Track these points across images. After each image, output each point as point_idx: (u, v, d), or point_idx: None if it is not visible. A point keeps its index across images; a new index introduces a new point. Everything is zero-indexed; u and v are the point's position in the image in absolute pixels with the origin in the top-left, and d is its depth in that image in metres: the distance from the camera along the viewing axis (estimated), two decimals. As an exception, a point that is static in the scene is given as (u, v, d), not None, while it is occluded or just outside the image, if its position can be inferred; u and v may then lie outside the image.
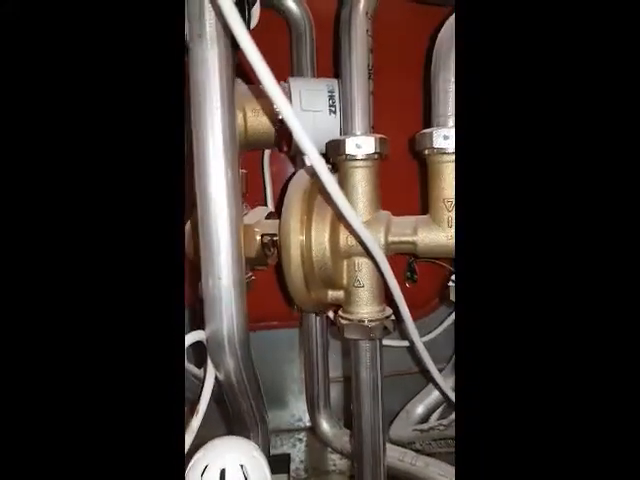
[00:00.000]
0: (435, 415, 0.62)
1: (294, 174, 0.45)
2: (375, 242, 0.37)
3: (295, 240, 0.40)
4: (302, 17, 0.55)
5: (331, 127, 0.47)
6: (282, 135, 0.47)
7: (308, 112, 0.46)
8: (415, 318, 0.44)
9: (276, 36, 0.55)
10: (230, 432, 0.43)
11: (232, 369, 0.36)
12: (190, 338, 0.35)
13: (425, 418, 0.63)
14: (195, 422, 0.37)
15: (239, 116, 0.47)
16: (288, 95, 0.46)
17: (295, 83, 0.47)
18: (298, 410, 0.74)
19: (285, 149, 0.48)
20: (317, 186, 0.44)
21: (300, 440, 0.70)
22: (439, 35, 0.40)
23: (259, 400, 0.41)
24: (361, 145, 0.41)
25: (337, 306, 0.47)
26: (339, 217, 0.40)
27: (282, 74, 0.53)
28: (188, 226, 0.49)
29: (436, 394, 0.64)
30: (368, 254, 0.39)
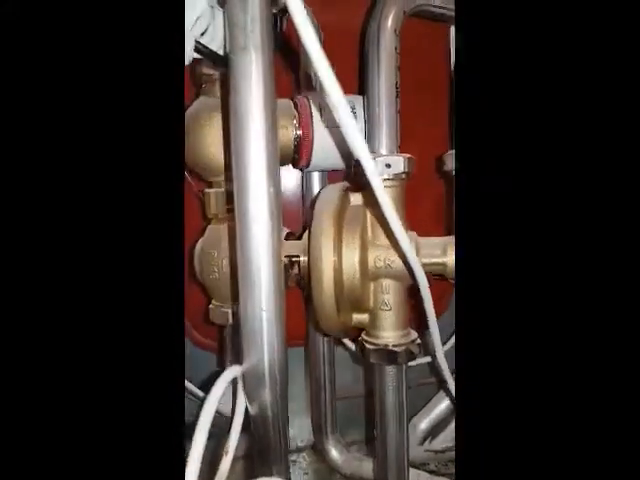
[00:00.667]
0: (445, 432, 0.61)
1: (319, 193, 0.43)
2: (420, 264, 0.36)
3: (328, 262, 0.38)
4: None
5: (352, 144, 0.45)
6: (302, 151, 0.45)
7: (330, 129, 0.45)
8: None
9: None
10: (251, 466, 0.40)
11: (269, 403, 0.34)
12: (229, 374, 0.33)
13: (430, 432, 0.63)
14: (225, 463, 0.35)
15: (282, 131, 0.45)
16: (309, 110, 0.44)
17: (316, 98, 0.45)
18: (300, 430, 0.71)
19: (303, 164, 0.47)
20: (346, 205, 0.42)
21: (304, 458, 0.67)
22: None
23: (287, 433, 0.39)
24: (391, 165, 0.40)
25: (359, 330, 0.45)
26: (388, 236, 0.39)
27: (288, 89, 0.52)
28: (199, 246, 0.46)
29: (441, 407, 0.63)
30: (411, 276, 0.38)
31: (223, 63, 0.33)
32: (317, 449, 0.62)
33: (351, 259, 0.40)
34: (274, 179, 0.32)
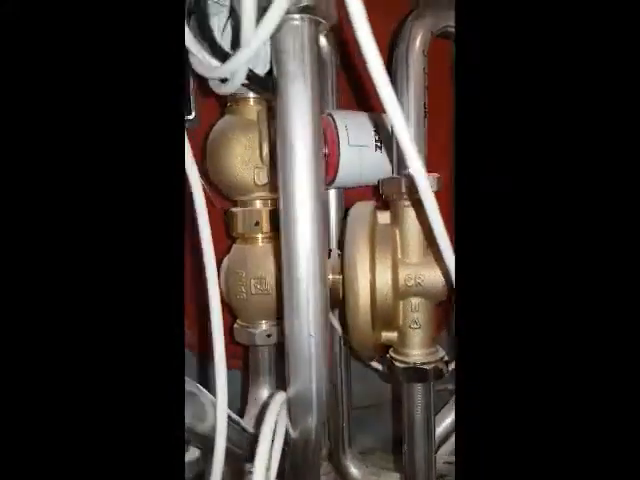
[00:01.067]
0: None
1: (347, 211, 0.43)
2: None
3: (364, 281, 0.39)
4: (327, 44, 0.53)
5: (376, 164, 0.46)
6: (328, 168, 0.45)
7: (354, 147, 0.45)
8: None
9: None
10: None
11: (314, 429, 0.34)
12: (276, 406, 0.32)
13: (443, 440, 0.63)
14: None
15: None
16: (334, 128, 0.44)
17: (339, 117, 0.45)
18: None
19: (328, 182, 0.47)
20: (376, 223, 0.42)
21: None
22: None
23: (320, 456, 0.39)
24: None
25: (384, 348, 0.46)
26: (434, 251, 0.39)
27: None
28: (225, 265, 0.46)
29: (450, 418, 0.64)
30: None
31: (266, 87, 0.33)
32: (332, 460, 0.62)
33: (384, 278, 0.40)
34: (321, 206, 0.32)
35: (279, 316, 0.46)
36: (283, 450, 0.35)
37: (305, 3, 0.29)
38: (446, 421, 0.64)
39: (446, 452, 0.64)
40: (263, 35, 0.27)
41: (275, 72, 0.31)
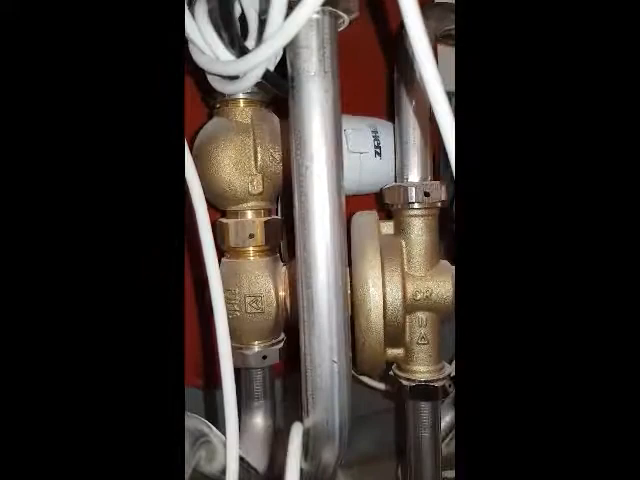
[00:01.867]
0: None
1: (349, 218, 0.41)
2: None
3: (376, 298, 0.36)
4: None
5: (376, 170, 0.43)
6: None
7: (354, 154, 0.42)
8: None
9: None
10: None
11: (333, 460, 0.31)
12: (297, 440, 0.29)
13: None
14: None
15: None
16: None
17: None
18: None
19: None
20: (381, 235, 0.40)
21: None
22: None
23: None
24: (429, 193, 0.39)
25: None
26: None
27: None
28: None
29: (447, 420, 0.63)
30: None
31: (279, 88, 0.30)
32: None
33: (395, 293, 0.38)
34: (341, 217, 0.29)
35: (274, 336, 0.43)
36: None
37: (326, -5, 0.26)
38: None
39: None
40: (292, 30, 0.24)
41: (292, 70, 0.28)
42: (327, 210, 0.28)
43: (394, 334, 0.39)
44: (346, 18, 0.29)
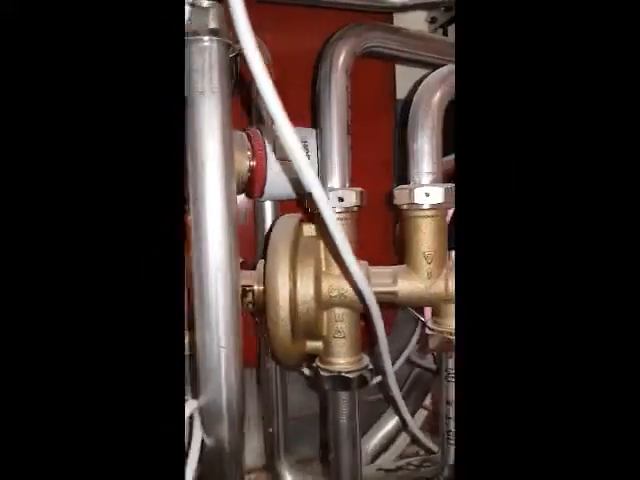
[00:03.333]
0: (391, 450, 0.63)
1: (273, 223, 0.44)
2: (372, 294, 0.37)
3: (284, 292, 0.39)
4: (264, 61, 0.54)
5: (305, 176, 0.47)
6: (255, 181, 0.46)
7: (281, 162, 0.46)
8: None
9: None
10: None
11: (227, 438, 0.34)
12: (187, 410, 0.33)
13: (379, 452, 0.65)
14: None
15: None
16: (262, 144, 0.46)
17: (267, 130, 0.46)
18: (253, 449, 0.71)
19: (257, 195, 0.48)
20: (300, 235, 0.44)
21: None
22: (415, 98, 0.42)
23: (242, 466, 0.39)
24: (344, 198, 0.42)
25: (312, 357, 0.46)
26: (340, 266, 0.40)
27: (244, 120, 0.52)
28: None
29: (389, 427, 0.66)
30: (363, 305, 0.39)
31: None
32: (269, 470, 0.62)
33: (306, 289, 0.41)
34: (232, 220, 0.33)
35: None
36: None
37: (212, 26, 0.30)
38: (385, 429, 0.66)
39: (389, 459, 0.66)
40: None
41: (187, 90, 0.32)
42: (218, 214, 0.32)
43: (310, 328, 0.43)
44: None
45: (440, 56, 0.50)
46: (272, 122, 0.27)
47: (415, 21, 0.87)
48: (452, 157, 0.61)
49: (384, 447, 0.66)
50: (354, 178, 0.46)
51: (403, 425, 0.58)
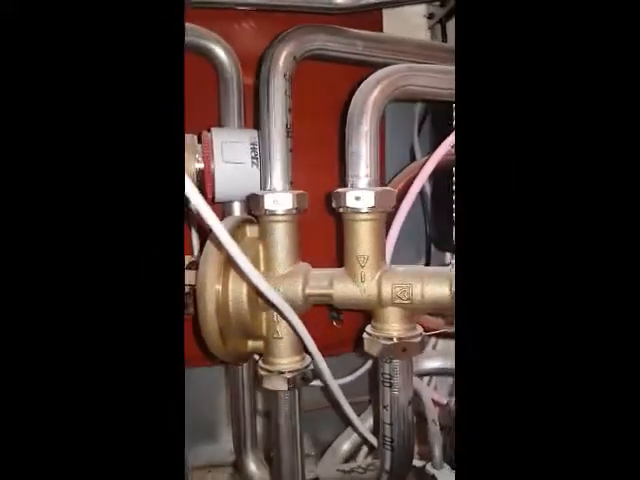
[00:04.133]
0: (363, 451, 0.63)
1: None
2: (283, 301, 0.38)
3: (211, 291, 0.40)
4: (229, 63, 0.55)
5: (253, 179, 0.48)
6: (205, 184, 0.47)
7: (230, 164, 0.47)
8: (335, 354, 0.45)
9: (204, 82, 0.55)
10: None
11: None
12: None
13: (352, 454, 0.64)
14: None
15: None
16: (210, 146, 0.47)
17: (217, 134, 0.47)
18: (230, 444, 0.73)
19: (209, 197, 0.49)
20: (239, 237, 0.44)
21: (233, 475, 0.69)
22: (353, 99, 0.42)
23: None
24: (279, 201, 0.43)
25: (259, 354, 0.47)
26: (242, 277, 0.41)
27: (210, 120, 0.54)
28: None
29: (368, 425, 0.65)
30: (279, 312, 0.40)
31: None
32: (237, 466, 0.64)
33: (237, 290, 0.42)
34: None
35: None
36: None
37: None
38: (353, 437, 0.65)
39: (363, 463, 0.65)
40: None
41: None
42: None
43: (245, 328, 0.44)
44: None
45: (397, 57, 0.49)
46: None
47: (414, 17, 0.86)
48: (417, 163, 0.60)
49: (360, 445, 0.65)
50: (302, 181, 0.46)
51: (351, 426, 0.58)
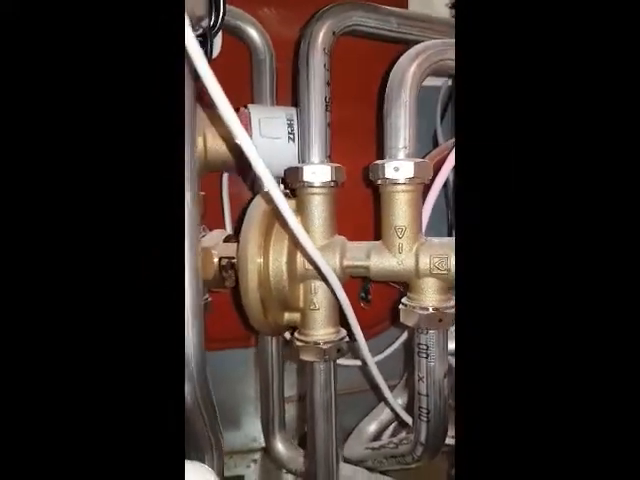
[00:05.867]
0: (387, 432, 0.63)
1: (253, 198, 0.46)
2: (328, 266, 0.38)
3: (253, 263, 0.41)
4: (263, 45, 0.56)
5: (289, 154, 0.48)
6: (239, 162, 0.48)
7: (266, 139, 0.48)
8: (367, 338, 0.46)
9: (239, 62, 0.56)
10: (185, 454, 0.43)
11: (188, 392, 0.36)
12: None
13: (377, 436, 0.65)
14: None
15: (199, 139, 0.48)
16: (248, 121, 0.48)
17: (255, 110, 0.48)
18: (253, 430, 0.74)
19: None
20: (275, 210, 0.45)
21: (255, 461, 0.69)
22: (391, 73, 0.43)
23: (214, 423, 0.41)
24: (317, 173, 0.43)
25: (293, 328, 0.48)
26: (295, 243, 0.42)
27: (243, 100, 0.55)
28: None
29: (388, 412, 0.65)
30: (322, 278, 0.40)
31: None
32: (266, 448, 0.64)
33: (277, 261, 0.43)
34: (190, 183, 0.35)
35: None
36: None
37: None
38: (382, 415, 0.65)
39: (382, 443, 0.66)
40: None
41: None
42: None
43: (284, 300, 0.44)
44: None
45: (428, 34, 0.50)
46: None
47: (438, 5, 0.87)
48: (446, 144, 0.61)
49: (386, 426, 0.66)
50: (341, 155, 0.47)
51: (385, 402, 0.58)
